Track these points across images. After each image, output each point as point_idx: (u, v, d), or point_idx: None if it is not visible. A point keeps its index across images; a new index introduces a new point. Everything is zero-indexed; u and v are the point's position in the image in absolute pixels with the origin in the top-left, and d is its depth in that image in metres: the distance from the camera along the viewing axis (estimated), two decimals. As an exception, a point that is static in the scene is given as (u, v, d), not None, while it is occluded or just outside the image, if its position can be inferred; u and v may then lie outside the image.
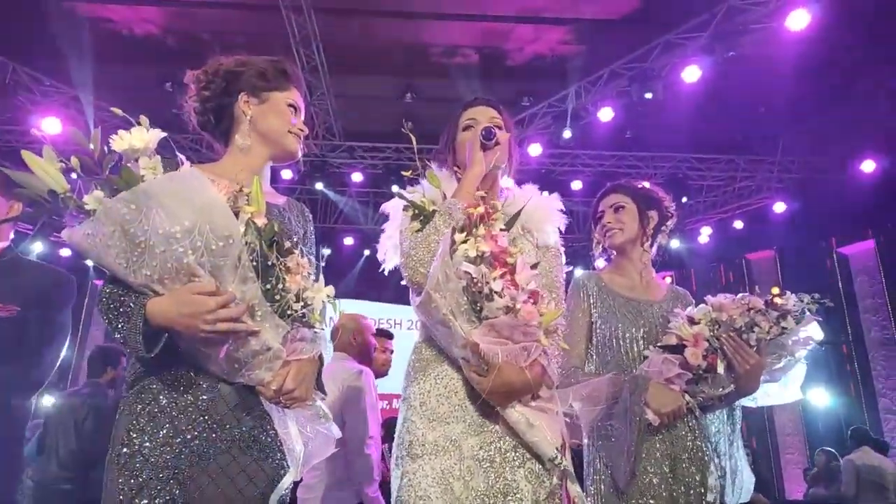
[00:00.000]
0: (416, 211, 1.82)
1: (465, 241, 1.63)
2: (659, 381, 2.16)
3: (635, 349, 2.30)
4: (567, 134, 7.60)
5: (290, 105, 1.79)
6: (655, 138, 8.55)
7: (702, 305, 2.30)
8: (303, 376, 1.51)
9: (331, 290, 1.59)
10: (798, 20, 5.83)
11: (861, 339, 8.53)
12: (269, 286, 1.46)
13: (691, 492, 2.12)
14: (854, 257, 8.79)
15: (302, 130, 1.81)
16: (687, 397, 2.16)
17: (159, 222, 1.34)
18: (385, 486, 3.38)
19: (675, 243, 9.40)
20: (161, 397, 1.46)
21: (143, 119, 1.45)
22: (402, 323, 9.93)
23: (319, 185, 8.84)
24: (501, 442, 1.67)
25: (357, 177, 9.02)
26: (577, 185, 9.07)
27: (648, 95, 6.80)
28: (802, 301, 2.22)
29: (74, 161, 1.38)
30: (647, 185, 2.60)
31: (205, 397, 1.47)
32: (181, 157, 1.52)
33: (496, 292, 1.59)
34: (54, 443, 4.00)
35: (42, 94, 7.32)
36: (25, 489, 3.83)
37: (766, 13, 6.09)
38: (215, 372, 1.47)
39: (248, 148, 1.75)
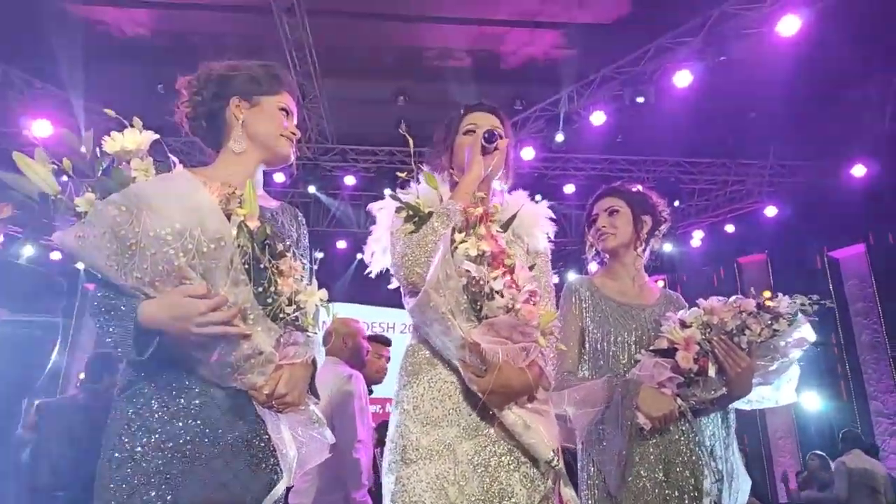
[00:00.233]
0: (411, 212, 1.82)
1: (464, 241, 1.63)
2: (650, 385, 2.16)
3: (627, 354, 2.30)
4: (560, 137, 7.62)
5: (282, 109, 1.79)
6: (647, 142, 8.57)
7: (693, 309, 2.30)
8: (295, 381, 1.50)
9: (324, 293, 1.58)
10: (789, 26, 5.86)
11: (852, 342, 8.57)
12: (261, 289, 1.45)
13: (685, 496, 2.11)
14: (845, 261, 8.84)
15: (294, 134, 1.81)
16: (679, 401, 2.16)
17: (150, 224, 1.33)
18: (376, 491, 3.37)
19: (667, 247, 9.42)
20: (153, 402, 1.44)
21: (136, 121, 1.44)
22: (395, 326, 9.91)
23: (312, 189, 8.83)
24: (496, 446, 1.66)
25: (350, 180, 9.00)
26: (569, 188, 9.09)
27: (640, 99, 6.82)
28: (796, 303, 2.22)
29: (66, 163, 1.36)
30: (640, 188, 2.60)
31: (197, 402, 1.45)
32: (173, 159, 1.51)
33: (497, 291, 1.58)
34: (48, 449, 3.96)
35: (33, 96, 7.27)
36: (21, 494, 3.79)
37: (757, 18, 6.12)
38: (207, 376, 1.45)
39: (241, 152, 1.75)
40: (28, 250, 8.46)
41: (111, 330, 1.40)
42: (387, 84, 7.93)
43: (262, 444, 1.52)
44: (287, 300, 1.49)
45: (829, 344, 8.42)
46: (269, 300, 1.46)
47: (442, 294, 1.59)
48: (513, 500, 1.62)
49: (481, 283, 1.59)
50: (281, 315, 1.48)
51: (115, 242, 1.35)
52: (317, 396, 1.63)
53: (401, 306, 1.86)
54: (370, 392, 3.92)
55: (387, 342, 4.11)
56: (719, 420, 2.30)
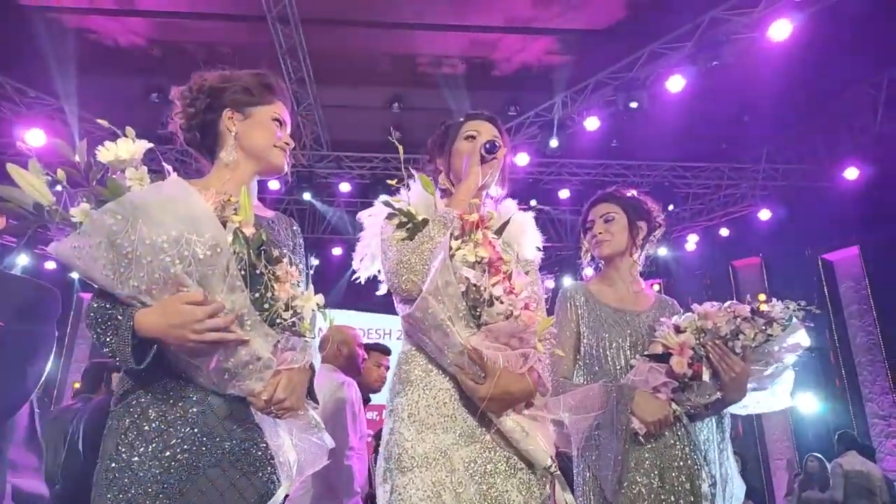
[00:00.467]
0: (404, 219, 1.81)
1: (461, 248, 1.63)
2: (645, 390, 2.16)
3: (622, 359, 2.30)
4: (554, 143, 7.64)
5: (275, 119, 1.79)
6: (641, 147, 8.61)
7: (688, 314, 2.30)
8: (294, 386, 1.49)
9: (320, 298, 1.58)
10: (780, 30, 5.90)
11: (847, 344, 8.60)
12: (257, 295, 1.45)
13: (681, 501, 2.11)
14: (839, 264, 8.87)
15: (288, 144, 1.81)
16: (674, 406, 2.16)
17: (146, 232, 1.33)
18: (371, 501, 3.36)
19: (662, 251, 9.45)
20: (150, 411, 1.44)
21: (129, 130, 1.44)
22: (391, 333, 9.91)
23: (307, 196, 8.83)
24: (492, 452, 1.66)
25: (345, 187, 9.01)
26: (564, 193, 9.12)
27: (633, 105, 6.85)
28: (789, 308, 2.23)
29: (61, 174, 1.36)
30: (635, 193, 2.61)
31: (194, 410, 1.45)
32: (168, 167, 1.51)
33: (497, 297, 1.58)
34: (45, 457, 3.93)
35: (26, 106, 7.28)
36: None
37: (748, 24, 6.17)
38: (205, 384, 1.45)
39: (234, 164, 1.75)
40: (22, 259, 8.44)
41: (108, 340, 1.39)
42: (381, 91, 7.95)
43: (260, 453, 1.51)
44: (284, 305, 1.49)
45: (824, 346, 8.43)
46: (266, 306, 1.46)
47: (441, 301, 1.58)
48: (510, 506, 1.62)
49: (481, 289, 1.59)
50: (278, 320, 1.48)
51: (111, 251, 1.34)
52: (316, 401, 1.63)
53: (396, 312, 1.86)
54: (368, 401, 3.91)
55: (386, 351, 4.10)
56: (714, 425, 2.31)
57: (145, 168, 1.43)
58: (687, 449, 2.18)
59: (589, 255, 2.55)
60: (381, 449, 1.75)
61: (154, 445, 1.41)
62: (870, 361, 8.37)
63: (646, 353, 2.25)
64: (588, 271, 2.66)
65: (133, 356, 1.36)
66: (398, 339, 1.86)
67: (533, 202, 8.27)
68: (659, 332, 2.25)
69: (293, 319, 1.49)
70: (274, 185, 8.59)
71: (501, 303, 1.59)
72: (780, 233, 8.86)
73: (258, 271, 1.45)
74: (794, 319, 2.22)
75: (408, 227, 1.80)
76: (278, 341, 1.46)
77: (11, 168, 1.33)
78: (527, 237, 2.00)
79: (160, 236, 1.33)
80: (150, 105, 7.55)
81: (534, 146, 8.12)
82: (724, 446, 2.31)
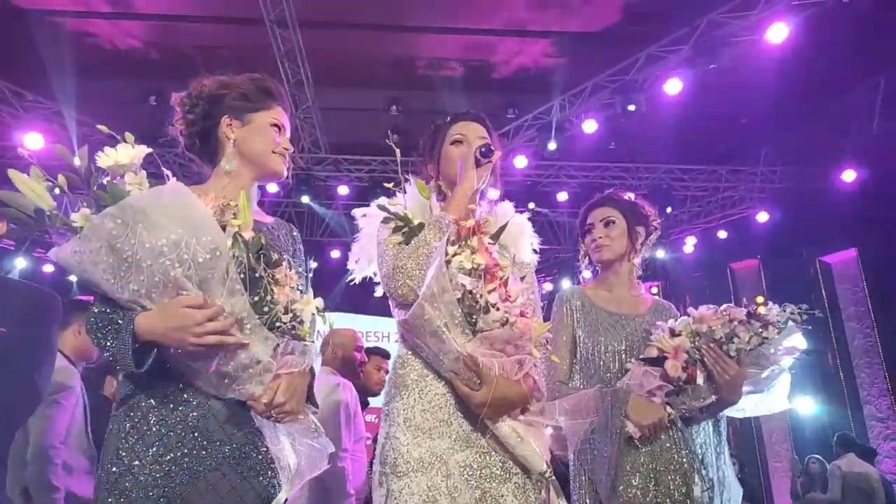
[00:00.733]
0: (400, 223, 1.81)
1: (457, 254, 1.63)
2: (640, 394, 2.17)
3: (618, 362, 2.31)
4: (552, 146, 7.64)
5: (274, 124, 1.79)
6: (639, 149, 8.62)
7: (683, 317, 2.31)
8: (293, 389, 1.50)
9: (320, 302, 1.59)
10: (777, 33, 5.92)
11: (845, 346, 8.60)
12: (257, 298, 1.46)
13: (676, 504, 2.12)
14: (836, 266, 8.89)
15: (287, 149, 1.81)
16: (668, 409, 2.16)
17: (146, 236, 1.34)
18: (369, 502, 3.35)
19: (660, 253, 9.46)
20: (150, 415, 1.45)
21: (129, 136, 1.44)
22: (389, 336, 9.90)
23: (306, 199, 8.82)
24: (487, 457, 1.66)
25: (343, 190, 9.01)
26: (562, 196, 9.12)
27: (631, 108, 6.86)
28: (786, 311, 2.23)
29: (61, 179, 1.37)
30: (632, 196, 2.61)
31: (195, 414, 1.46)
32: (167, 172, 1.51)
33: (493, 304, 1.58)
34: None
35: (24, 109, 7.27)
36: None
37: (745, 26, 6.18)
38: (205, 387, 1.46)
39: (234, 170, 1.75)
40: (20, 263, 8.43)
41: (109, 344, 1.40)
42: (379, 94, 7.95)
43: (260, 457, 1.52)
44: (283, 309, 1.49)
45: (822, 349, 8.44)
46: (266, 309, 1.46)
47: (437, 307, 1.58)
48: (505, 510, 1.62)
49: (476, 296, 1.59)
50: (277, 324, 1.48)
51: (112, 256, 1.35)
52: (315, 405, 1.63)
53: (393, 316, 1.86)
54: (367, 404, 3.92)
55: (386, 355, 4.11)
56: (710, 428, 2.31)
57: (144, 173, 1.43)
58: (683, 452, 2.18)
59: (587, 258, 2.56)
60: (376, 453, 1.75)
61: (155, 449, 1.41)
62: (868, 364, 8.38)
63: (641, 356, 2.26)
64: (586, 274, 2.67)
65: (133, 360, 1.36)
66: (396, 341, 1.86)
67: (531, 205, 8.27)
68: (654, 335, 2.26)
69: (293, 323, 1.50)
70: (272, 187, 8.59)
71: (497, 310, 1.59)
72: (778, 235, 8.87)
73: (257, 275, 1.46)
74: (791, 323, 2.22)
75: (404, 231, 1.79)
76: (278, 345, 1.47)
77: (13, 173, 1.34)
78: (524, 240, 2.00)
79: (160, 240, 1.34)
80: (148, 108, 7.56)
81: (532, 149, 8.12)
82: (720, 449, 2.31)
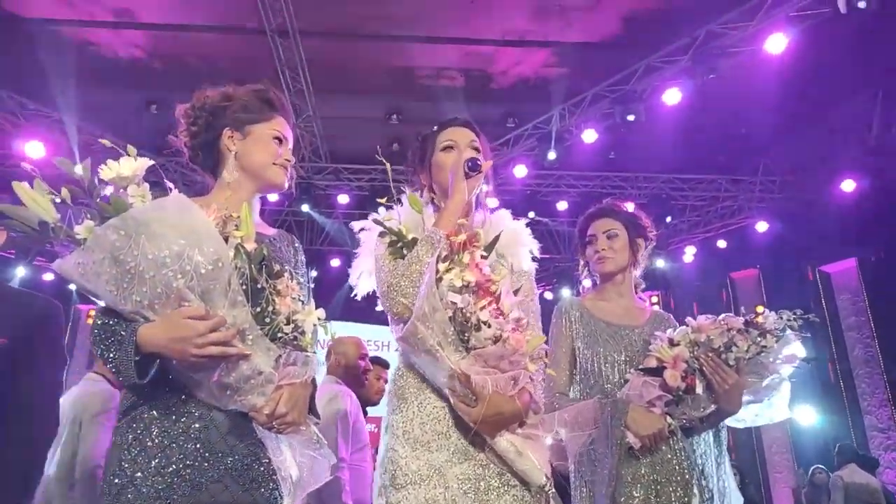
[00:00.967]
0: (394, 238, 1.81)
1: (448, 271, 1.62)
2: (639, 404, 2.17)
3: (618, 373, 2.31)
4: (552, 155, 7.67)
5: (275, 136, 1.79)
6: (639, 159, 8.64)
7: (682, 327, 2.31)
8: (295, 400, 1.50)
9: (321, 312, 1.59)
10: (776, 44, 5.95)
11: (845, 356, 8.60)
12: (259, 309, 1.46)
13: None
14: (836, 276, 8.89)
15: (288, 161, 1.80)
16: (668, 419, 2.16)
17: (149, 247, 1.34)
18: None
19: (660, 263, 9.46)
20: (153, 427, 1.45)
21: (131, 148, 1.45)
22: (389, 345, 9.88)
23: (306, 208, 8.84)
24: (486, 470, 1.65)
25: (343, 198, 9.02)
26: (562, 205, 9.14)
27: (631, 117, 6.89)
28: (783, 318, 2.23)
29: (65, 192, 1.38)
30: (631, 206, 2.62)
31: (197, 425, 1.46)
32: (170, 184, 1.52)
33: (484, 322, 1.58)
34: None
35: (26, 118, 7.28)
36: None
37: (744, 37, 6.22)
38: (207, 399, 1.46)
39: (235, 183, 1.76)
40: (20, 272, 8.43)
41: (112, 356, 1.40)
42: (380, 103, 7.97)
43: (262, 469, 1.52)
44: (285, 320, 1.50)
45: (822, 358, 8.43)
46: (268, 320, 1.46)
47: (429, 326, 1.58)
48: (504, 523, 1.62)
49: (467, 314, 1.58)
50: (279, 335, 1.48)
51: (115, 267, 1.35)
52: (317, 416, 1.63)
53: (393, 326, 1.85)
54: (364, 413, 3.89)
55: (386, 365, 4.09)
56: (711, 438, 2.31)
57: (147, 185, 1.44)
58: (684, 463, 2.17)
59: (586, 269, 2.56)
60: (377, 465, 1.75)
61: (157, 461, 1.41)
62: (868, 374, 8.37)
63: (640, 366, 2.26)
64: (587, 283, 2.67)
65: (136, 370, 1.37)
66: (396, 350, 1.86)
67: (531, 214, 8.29)
68: (653, 345, 2.26)
69: (294, 334, 1.50)
70: (273, 196, 8.60)
71: (489, 327, 1.58)
72: (778, 245, 8.88)
73: (259, 286, 1.46)
74: (789, 331, 2.23)
75: (398, 245, 1.79)
76: (280, 356, 1.47)
77: (17, 186, 1.35)
78: (521, 248, 1.98)
79: (162, 251, 1.35)
80: (149, 117, 7.58)
81: (532, 158, 8.15)
82: (721, 460, 2.31)
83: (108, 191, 1.42)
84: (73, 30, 6.76)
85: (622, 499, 2.10)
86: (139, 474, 1.40)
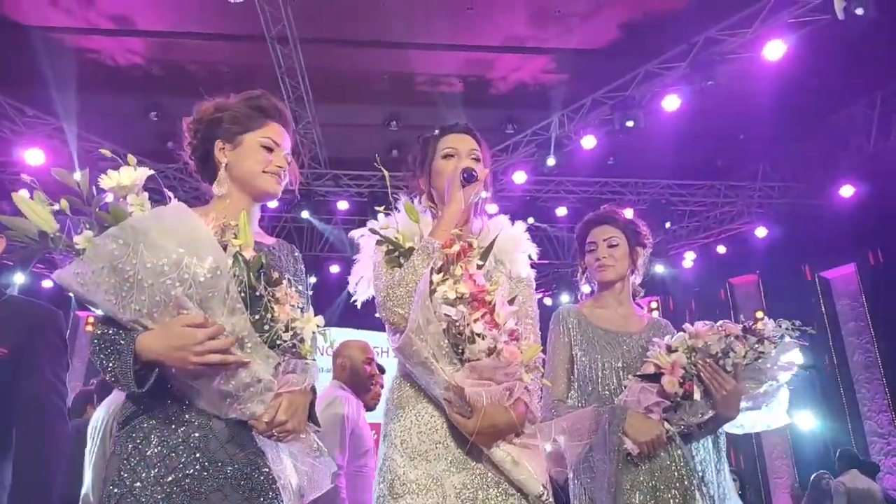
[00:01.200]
0: (391, 247, 1.80)
1: (443, 282, 1.62)
2: (637, 411, 2.17)
3: (615, 380, 2.32)
4: (551, 161, 7.67)
5: (264, 144, 1.76)
6: (638, 165, 8.65)
7: (680, 333, 2.32)
8: (295, 408, 1.50)
9: (320, 320, 1.59)
10: (774, 50, 5.97)
11: (845, 362, 8.59)
12: (257, 317, 1.46)
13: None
14: (835, 281, 8.89)
15: (280, 167, 1.77)
16: (666, 425, 2.16)
17: (147, 256, 1.34)
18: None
19: (659, 268, 9.46)
20: (152, 436, 1.45)
21: (131, 158, 1.45)
22: (388, 351, 9.86)
23: (305, 214, 8.84)
24: (484, 479, 1.65)
25: (343, 205, 9.03)
26: (561, 211, 9.15)
27: (630, 123, 6.89)
28: (781, 326, 2.23)
29: (64, 203, 1.38)
30: (630, 213, 2.62)
31: (196, 434, 1.45)
32: (169, 193, 1.52)
33: (478, 334, 1.57)
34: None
35: (26, 125, 7.29)
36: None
37: (742, 44, 6.23)
38: (207, 408, 1.46)
39: (228, 194, 1.76)
40: (19, 279, 8.43)
41: (111, 365, 1.40)
42: (379, 109, 7.99)
43: (262, 478, 1.51)
44: (284, 327, 1.50)
45: (822, 364, 8.42)
46: (266, 328, 1.46)
47: (423, 339, 1.58)
48: (502, 532, 1.61)
49: (461, 327, 1.58)
50: (278, 342, 1.48)
51: (114, 276, 1.36)
52: (317, 424, 1.63)
53: (392, 332, 1.85)
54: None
55: (381, 370, 4.08)
56: (710, 444, 2.31)
57: (146, 194, 1.44)
58: (683, 469, 2.17)
59: (585, 276, 2.56)
60: (375, 474, 1.75)
61: (157, 470, 1.41)
62: (868, 379, 8.36)
63: (638, 373, 2.26)
64: (586, 289, 2.67)
65: (135, 379, 1.36)
66: (395, 357, 1.85)
67: (531, 220, 8.29)
68: (651, 352, 2.26)
69: (293, 341, 1.50)
70: (272, 203, 8.59)
71: (483, 339, 1.57)
72: (777, 250, 8.89)
73: (258, 293, 1.46)
74: (787, 338, 2.23)
75: (395, 254, 1.79)
76: (279, 363, 1.47)
77: (16, 197, 1.35)
78: (519, 254, 1.97)
79: (161, 260, 1.35)
80: (149, 124, 7.59)
81: (531, 164, 8.16)
82: (720, 466, 2.31)
83: (109, 199, 1.43)
84: (72, 37, 6.78)
85: (620, 504, 2.10)
86: (138, 484, 1.40)
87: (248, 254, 1.48)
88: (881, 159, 7.50)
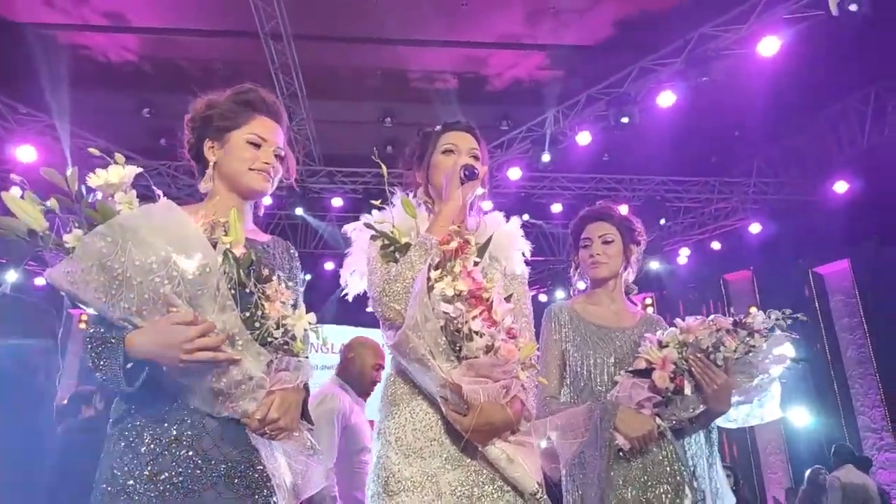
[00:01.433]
0: (387, 242, 1.79)
1: (440, 279, 1.61)
2: (628, 406, 2.17)
3: (607, 375, 2.31)
4: (546, 158, 7.66)
5: (250, 141, 1.72)
6: (633, 161, 8.66)
7: (671, 328, 2.32)
8: (287, 405, 1.49)
9: (312, 317, 1.58)
10: (769, 46, 5.97)
11: (838, 357, 8.62)
12: (248, 314, 1.46)
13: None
14: (829, 277, 8.92)
15: (268, 163, 1.73)
16: (658, 420, 2.16)
17: (136, 254, 1.34)
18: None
19: (653, 264, 9.48)
20: (145, 434, 1.44)
21: (119, 157, 1.44)
22: (383, 348, 9.85)
23: (299, 211, 8.82)
24: (479, 476, 1.65)
25: (337, 202, 9.01)
26: (556, 207, 9.15)
27: (625, 120, 6.89)
28: (771, 318, 2.23)
29: (53, 202, 1.37)
30: (625, 209, 2.62)
31: (189, 433, 1.45)
32: (158, 192, 1.51)
33: (476, 332, 1.57)
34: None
35: (17, 122, 7.25)
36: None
37: (736, 40, 6.24)
38: (199, 406, 1.45)
39: (217, 192, 1.74)
40: (11, 276, 8.39)
41: (102, 364, 1.40)
42: (373, 106, 7.98)
43: (256, 475, 1.50)
44: (275, 324, 1.49)
45: (815, 359, 8.45)
46: (257, 325, 1.46)
47: (421, 336, 1.57)
48: (497, 529, 1.61)
49: (459, 324, 1.57)
50: (269, 339, 1.48)
51: (103, 274, 1.35)
52: (310, 422, 1.62)
53: (387, 329, 1.84)
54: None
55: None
56: (702, 439, 2.31)
57: (134, 192, 1.43)
58: (676, 465, 2.17)
59: (578, 271, 2.56)
60: (369, 471, 1.74)
61: (149, 469, 1.41)
62: (861, 374, 8.40)
63: (629, 368, 2.26)
64: (580, 285, 2.67)
65: (125, 377, 1.36)
66: (389, 354, 1.84)
67: (526, 216, 8.28)
68: (642, 347, 2.26)
69: (285, 339, 1.49)
70: (266, 199, 8.56)
71: (481, 336, 1.57)
72: (771, 246, 8.91)
73: (248, 290, 1.46)
74: (778, 330, 2.23)
75: (391, 249, 1.78)
76: (272, 361, 1.46)
77: (6, 197, 1.34)
78: (514, 251, 1.97)
79: (149, 257, 1.34)
80: (142, 121, 7.56)
81: (526, 160, 8.15)
82: (713, 460, 2.31)
83: (99, 196, 1.42)
84: (65, 34, 6.75)
85: (613, 501, 2.10)
86: (131, 482, 1.39)
87: (238, 251, 1.48)
88: (875, 155, 7.52)
